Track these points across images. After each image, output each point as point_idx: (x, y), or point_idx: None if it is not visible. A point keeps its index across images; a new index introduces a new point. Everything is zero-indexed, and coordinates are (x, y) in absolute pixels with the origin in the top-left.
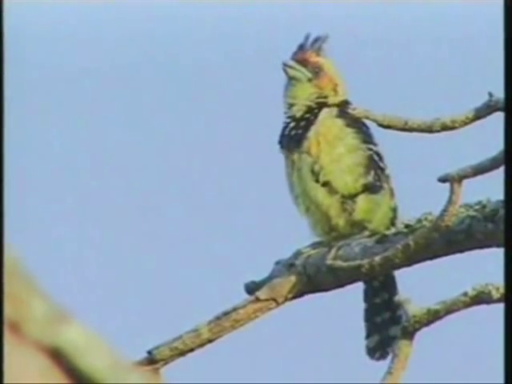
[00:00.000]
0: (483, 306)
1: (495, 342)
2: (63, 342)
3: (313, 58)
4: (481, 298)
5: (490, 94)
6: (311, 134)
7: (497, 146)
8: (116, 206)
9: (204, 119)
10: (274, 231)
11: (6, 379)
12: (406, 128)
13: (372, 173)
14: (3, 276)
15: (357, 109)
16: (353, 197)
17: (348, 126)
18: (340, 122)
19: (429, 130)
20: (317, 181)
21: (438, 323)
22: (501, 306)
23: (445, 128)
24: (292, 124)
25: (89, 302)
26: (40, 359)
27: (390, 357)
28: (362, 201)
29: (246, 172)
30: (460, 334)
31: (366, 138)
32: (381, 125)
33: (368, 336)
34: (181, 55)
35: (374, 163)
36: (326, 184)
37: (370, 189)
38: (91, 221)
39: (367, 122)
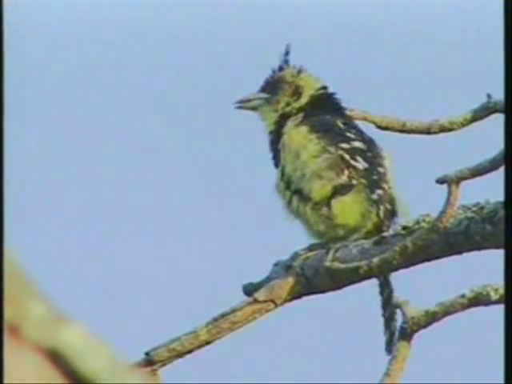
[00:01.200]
0: (481, 308)
1: (493, 344)
2: (62, 343)
3: (273, 78)
4: (479, 300)
5: (489, 96)
6: (280, 146)
7: (495, 147)
8: (116, 209)
9: (208, 120)
10: (272, 233)
11: (5, 381)
12: (404, 129)
13: (345, 172)
14: (3, 278)
15: (354, 110)
16: (326, 201)
17: (311, 131)
18: (304, 128)
19: (427, 131)
20: (288, 189)
21: (435, 325)
22: (499, 308)
23: (443, 129)
24: (269, 142)
25: (87, 303)
26: (38, 361)
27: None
28: (335, 205)
29: (244, 175)
30: (458, 336)
31: (336, 138)
32: (379, 126)
33: (385, 331)
34: (182, 56)
35: (346, 162)
36: (297, 193)
37: (342, 190)
38: (90, 223)
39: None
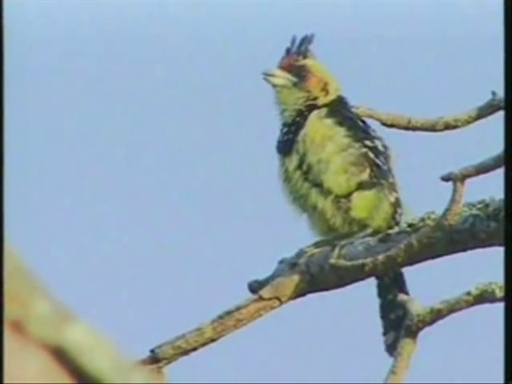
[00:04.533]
0: (486, 305)
1: (499, 341)
2: (67, 341)
3: (298, 62)
4: (484, 297)
5: (494, 93)
6: (300, 137)
7: (500, 144)
8: (119, 206)
9: (207, 120)
10: (277, 230)
11: (9, 378)
12: (409, 127)
13: (367, 170)
14: (3, 275)
15: (360, 108)
16: (347, 196)
17: (338, 124)
18: (329, 121)
19: (432, 128)
20: (307, 180)
21: (441, 322)
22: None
23: (448, 127)
24: (284, 130)
25: (92, 301)
26: (44, 358)
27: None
28: (356, 199)
29: (248, 171)
30: (463, 333)
31: (360, 134)
32: (384, 123)
33: (385, 333)
34: (182, 56)
35: (370, 160)
36: (317, 185)
37: (365, 186)
38: (94, 220)
39: (365, 118)
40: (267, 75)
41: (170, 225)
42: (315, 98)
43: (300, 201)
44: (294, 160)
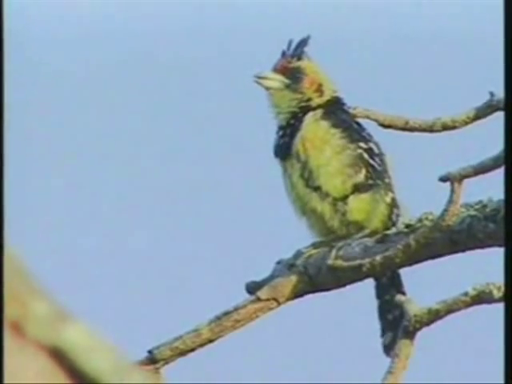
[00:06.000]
0: (484, 306)
1: (496, 342)
2: (64, 341)
3: (292, 64)
4: (482, 298)
5: (492, 94)
6: (297, 140)
7: (498, 145)
8: (118, 206)
9: (207, 122)
10: (275, 231)
11: (7, 379)
12: (406, 128)
13: (363, 171)
14: (3, 275)
15: (357, 108)
16: (344, 198)
17: (333, 126)
18: (325, 123)
19: (430, 129)
20: (308, 186)
21: (438, 323)
22: (502, 306)
23: (446, 127)
24: (280, 133)
25: (89, 301)
26: (41, 359)
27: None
28: (352, 201)
29: (247, 172)
30: (461, 334)
31: (355, 136)
32: (381, 124)
33: (383, 333)
34: (181, 56)
35: (364, 161)
36: (317, 189)
37: (361, 188)
38: (93, 220)
39: (359, 119)
40: (259, 78)
41: (168, 226)
42: (309, 100)
43: (301, 205)
44: (296, 168)
